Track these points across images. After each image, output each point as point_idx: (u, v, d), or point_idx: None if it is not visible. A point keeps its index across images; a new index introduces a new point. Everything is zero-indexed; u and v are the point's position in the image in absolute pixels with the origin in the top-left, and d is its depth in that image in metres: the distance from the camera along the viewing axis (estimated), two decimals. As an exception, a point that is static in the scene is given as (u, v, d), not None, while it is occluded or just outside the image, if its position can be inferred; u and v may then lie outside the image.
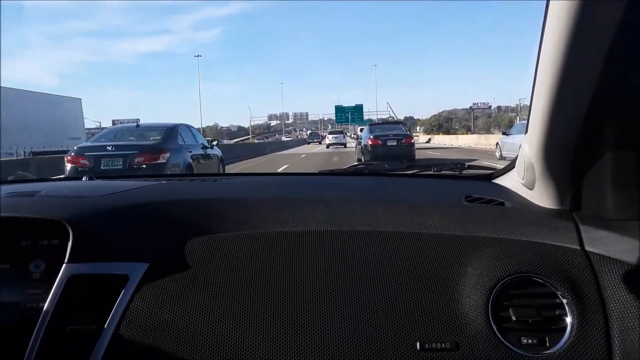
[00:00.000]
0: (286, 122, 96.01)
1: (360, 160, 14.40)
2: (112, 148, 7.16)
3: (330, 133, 40.68)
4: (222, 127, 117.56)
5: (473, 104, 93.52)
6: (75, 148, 7.45)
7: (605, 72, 0.73)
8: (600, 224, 0.90)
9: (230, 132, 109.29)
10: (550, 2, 0.71)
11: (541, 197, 1.02)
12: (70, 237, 0.93)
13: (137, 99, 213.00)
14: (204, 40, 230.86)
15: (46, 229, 0.96)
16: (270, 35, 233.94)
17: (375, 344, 0.81)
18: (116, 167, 6.81)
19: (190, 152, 7.94)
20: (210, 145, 9.23)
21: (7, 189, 1.25)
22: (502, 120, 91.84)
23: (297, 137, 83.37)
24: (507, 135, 14.98)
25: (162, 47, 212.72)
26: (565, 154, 0.88)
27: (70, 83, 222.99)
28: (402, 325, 0.82)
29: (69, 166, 6.98)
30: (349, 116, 67.84)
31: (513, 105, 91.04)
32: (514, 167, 1.20)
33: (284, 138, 73.37)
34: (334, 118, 70.77)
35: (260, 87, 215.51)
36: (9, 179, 1.61)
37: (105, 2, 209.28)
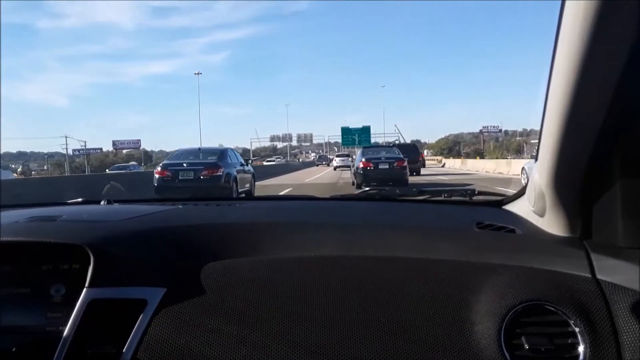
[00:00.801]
0: (290, 144, 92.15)
1: (353, 182, 14.51)
2: (185, 165, 10.53)
3: (337, 156, 41.40)
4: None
5: (483, 127, 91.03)
6: (160, 164, 11.29)
7: (615, 100, 0.73)
8: (611, 252, 0.90)
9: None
10: (561, 29, 0.72)
11: (552, 224, 1.02)
12: (92, 262, 0.94)
13: (142, 121, 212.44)
14: (213, 63, 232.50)
15: (67, 253, 0.98)
16: (277, 57, 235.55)
17: None
18: (189, 178, 10.16)
19: (234, 168, 11.07)
20: (246, 163, 12.47)
21: (27, 213, 1.26)
22: (511, 144, 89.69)
23: (301, 160, 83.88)
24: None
25: (171, 70, 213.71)
26: (575, 182, 0.89)
27: (79, 105, 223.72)
28: (413, 353, 0.82)
29: (157, 177, 10.38)
30: (356, 138, 65.59)
31: (520, 129, 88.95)
32: (524, 193, 1.20)
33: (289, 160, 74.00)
34: (340, 140, 68.58)
35: (265, 109, 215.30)
36: (104, 191, 1.71)
37: (117, 25, 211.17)
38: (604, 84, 0.72)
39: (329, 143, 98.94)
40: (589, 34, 0.67)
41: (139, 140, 79.73)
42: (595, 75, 0.71)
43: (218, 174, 10.27)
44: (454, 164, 42.10)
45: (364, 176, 13.48)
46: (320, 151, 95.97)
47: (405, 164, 14.58)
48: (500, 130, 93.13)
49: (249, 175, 12.33)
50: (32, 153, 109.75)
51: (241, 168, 11.57)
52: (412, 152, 22.85)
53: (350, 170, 17.03)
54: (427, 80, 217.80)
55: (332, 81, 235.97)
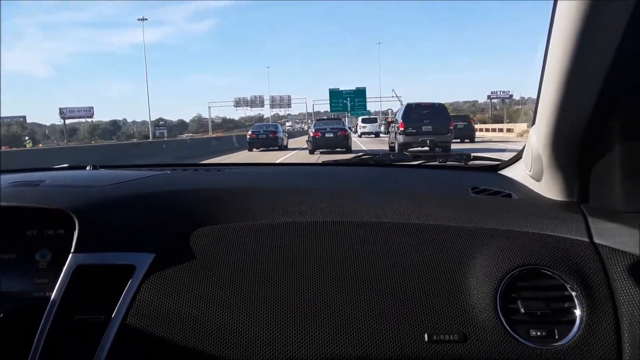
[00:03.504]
0: (257, 109, 73.56)
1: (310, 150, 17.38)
2: (262, 130, 21.78)
3: (362, 120, 37.40)
4: (204, 118, 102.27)
5: (491, 92, 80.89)
6: (251, 129, 22.33)
7: (615, 62, 0.72)
8: (609, 215, 0.89)
9: (215, 124, 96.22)
10: None
11: (549, 188, 1.02)
12: (76, 227, 0.93)
13: (126, 89, 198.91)
14: (198, 32, 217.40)
15: (52, 218, 0.96)
16: (264, 24, 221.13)
17: (383, 335, 0.81)
18: (263, 138, 20.88)
19: (280, 132, 22.04)
20: (285, 131, 25.32)
21: (10, 178, 1.23)
22: (515, 113, 78.93)
23: (236, 139, 69.58)
24: None
25: (156, 38, 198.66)
26: (573, 145, 0.88)
27: (64, 74, 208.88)
28: (409, 317, 0.82)
29: (248, 137, 21.10)
30: (348, 103, 53.97)
31: (517, 98, 78.36)
32: (520, 158, 1.19)
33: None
34: (328, 106, 56.59)
35: (249, 77, 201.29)
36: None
37: None
38: (605, 44, 0.70)
39: (310, 112, 79.12)
40: None
41: (91, 107, 69.27)
42: (595, 36, 0.70)
43: (278, 135, 21.48)
44: (485, 135, 32.28)
45: (313, 142, 17.18)
46: (297, 121, 79.94)
47: (348, 133, 17.91)
48: (511, 96, 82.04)
49: (286, 136, 24.15)
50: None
51: (283, 133, 22.80)
52: (438, 116, 15.07)
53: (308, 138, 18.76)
54: (426, 45, 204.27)
55: (323, 47, 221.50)
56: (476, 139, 23.05)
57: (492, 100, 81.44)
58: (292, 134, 39.27)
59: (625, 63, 0.72)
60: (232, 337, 0.83)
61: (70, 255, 0.91)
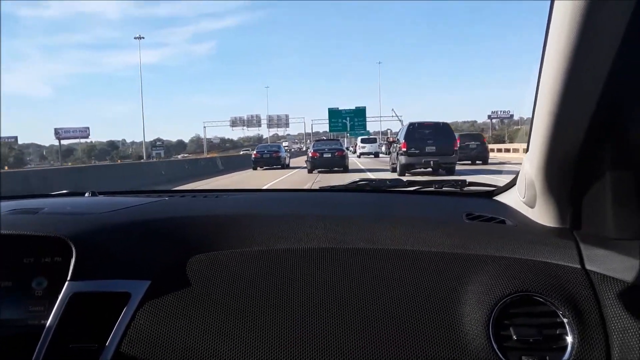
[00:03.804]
0: (253, 128, 70.02)
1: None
2: (266, 150, 22.77)
3: (362, 140, 37.00)
4: (201, 138, 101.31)
5: (492, 112, 79.80)
6: (256, 149, 23.71)
7: (606, 90, 0.73)
8: (601, 242, 0.90)
9: (213, 144, 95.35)
10: (552, 21, 0.72)
11: (542, 215, 1.02)
12: (73, 255, 0.93)
13: (124, 110, 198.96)
14: (198, 53, 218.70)
15: (49, 246, 0.96)
16: (263, 45, 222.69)
17: None
18: (267, 157, 21.94)
19: (283, 152, 23.23)
20: (286, 151, 27.15)
21: (9, 205, 1.23)
22: (515, 133, 78.11)
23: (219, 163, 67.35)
24: None
25: (156, 60, 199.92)
26: (565, 172, 0.89)
27: (64, 94, 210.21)
28: (402, 343, 0.83)
29: (253, 157, 22.48)
30: (347, 123, 52.62)
31: (517, 118, 77.54)
32: (515, 184, 1.19)
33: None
34: (327, 126, 55.34)
35: (248, 97, 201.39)
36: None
37: (101, 15, 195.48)
38: (595, 76, 0.72)
39: (310, 134, 78.58)
40: (579, 26, 0.66)
41: (87, 128, 68.29)
42: (585, 68, 0.71)
43: (281, 155, 22.46)
44: (496, 156, 29.80)
45: (312, 162, 17.78)
46: (295, 141, 77.53)
47: (345, 153, 18.29)
48: (511, 116, 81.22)
49: (288, 155, 25.60)
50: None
51: (284, 153, 23.92)
52: (442, 136, 14.23)
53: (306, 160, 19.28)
54: (426, 67, 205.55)
55: (322, 67, 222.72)
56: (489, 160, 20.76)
57: (492, 120, 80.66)
58: (291, 154, 38.70)
59: (617, 89, 0.73)
60: None
61: (67, 283, 0.91)
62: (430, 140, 13.97)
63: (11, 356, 0.87)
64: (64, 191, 1.58)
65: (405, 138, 14.22)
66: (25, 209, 1.16)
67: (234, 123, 67.38)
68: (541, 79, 0.79)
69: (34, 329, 0.88)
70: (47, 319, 0.88)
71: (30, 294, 0.94)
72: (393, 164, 15.89)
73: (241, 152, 49.94)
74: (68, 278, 0.91)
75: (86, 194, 1.48)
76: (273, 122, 67.88)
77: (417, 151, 13.88)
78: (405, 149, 14.01)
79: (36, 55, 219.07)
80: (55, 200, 1.43)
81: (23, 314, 0.93)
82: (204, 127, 68.62)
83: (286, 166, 22.63)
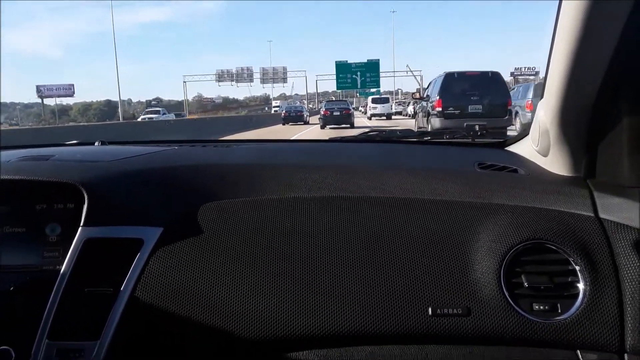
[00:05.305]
0: (243, 83, 55.70)
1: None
2: (293, 109, 30.39)
3: (373, 100, 33.83)
4: (205, 97, 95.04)
5: (515, 68, 72.74)
6: (285, 109, 32.03)
7: (623, 36, 0.72)
8: (615, 191, 0.89)
9: (215, 104, 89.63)
10: None
11: (555, 164, 1.02)
12: (86, 201, 0.94)
13: (133, 70, 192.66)
14: (206, 10, 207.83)
15: (61, 192, 0.97)
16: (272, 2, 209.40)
17: (388, 308, 0.83)
18: (294, 115, 28.53)
19: (305, 111, 30.07)
20: (308, 110, 34.56)
21: (19, 153, 1.23)
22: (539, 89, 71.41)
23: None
24: None
25: (165, 17, 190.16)
26: (581, 119, 0.88)
27: (74, 54, 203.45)
28: (414, 291, 0.83)
29: (283, 115, 29.17)
30: (358, 78, 46.25)
31: (542, 75, 70.48)
32: (527, 134, 1.19)
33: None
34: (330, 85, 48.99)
35: (252, 54, 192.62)
36: None
37: None
38: (615, 18, 0.71)
39: (312, 92, 64.38)
40: None
41: (72, 85, 61.52)
42: (605, 10, 0.70)
43: (303, 113, 28.51)
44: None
45: (324, 119, 21.12)
46: (298, 102, 67.10)
47: (351, 112, 21.99)
48: (537, 73, 74.04)
49: (307, 113, 30.16)
50: (12, 103, 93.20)
51: (306, 112, 30.04)
52: (492, 90, 10.35)
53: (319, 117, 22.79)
54: (445, 18, 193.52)
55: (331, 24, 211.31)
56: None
57: (516, 77, 73.87)
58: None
59: (636, 34, 0.72)
60: (237, 310, 0.84)
61: (80, 228, 0.92)
62: (476, 97, 10.33)
63: (27, 301, 0.89)
64: (74, 141, 1.58)
65: (441, 93, 10.38)
66: (36, 155, 1.17)
67: (220, 77, 55.99)
68: (559, 21, 0.77)
69: (49, 274, 0.90)
70: (62, 264, 0.90)
71: (45, 241, 0.96)
72: (420, 127, 11.83)
73: (272, 112, 51.72)
74: (81, 224, 0.92)
75: (96, 143, 1.49)
76: (268, 76, 56.61)
77: (456, 111, 10.27)
78: (440, 108, 10.36)
79: (47, 15, 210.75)
80: (65, 148, 1.44)
81: (38, 259, 0.94)
82: (184, 82, 58.32)
83: (307, 122, 28.04)
